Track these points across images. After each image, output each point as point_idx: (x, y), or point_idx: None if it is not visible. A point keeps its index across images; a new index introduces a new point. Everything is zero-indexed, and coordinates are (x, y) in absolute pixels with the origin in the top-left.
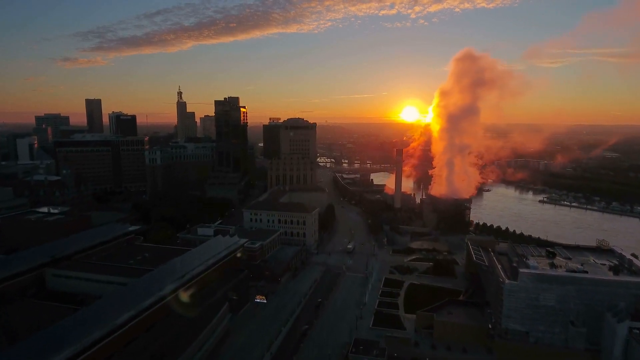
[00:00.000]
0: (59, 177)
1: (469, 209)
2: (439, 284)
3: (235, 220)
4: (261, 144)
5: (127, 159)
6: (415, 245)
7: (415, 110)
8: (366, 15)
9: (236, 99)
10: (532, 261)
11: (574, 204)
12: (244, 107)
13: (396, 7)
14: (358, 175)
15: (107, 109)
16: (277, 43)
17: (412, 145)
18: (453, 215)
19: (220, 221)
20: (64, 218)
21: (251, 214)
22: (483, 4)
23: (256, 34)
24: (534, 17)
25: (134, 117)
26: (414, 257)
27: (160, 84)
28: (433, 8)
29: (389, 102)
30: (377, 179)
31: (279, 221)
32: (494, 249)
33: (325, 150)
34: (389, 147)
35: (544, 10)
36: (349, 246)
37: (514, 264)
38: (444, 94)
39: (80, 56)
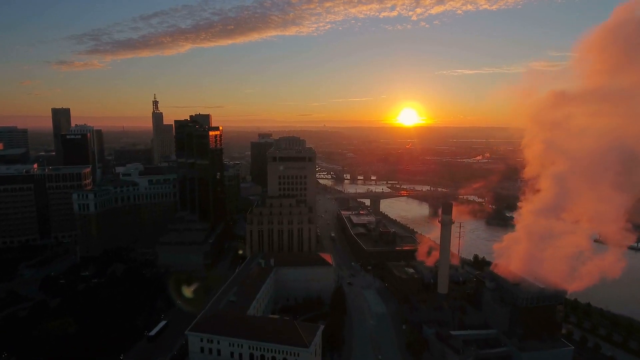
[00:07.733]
0: None
1: (562, 303)
2: None
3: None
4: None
5: (58, 199)
6: None
7: (414, 114)
8: (367, 17)
9: (207, 117)
10: None
11: None
12: (217, 130)
13: (397, 9)
14: (373, 219)
15: (103, 112)
16: (276, 46)
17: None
18: (536, 312)
19: (164, 323)
20: None
21: (202, 342)
22: (485, 6)
23: (254, 36)
24: (536, 18)
25: (84, 137)
26: None
27: (158, 87)
28: (435, 10)
29: (387, 105)
30: (390, 207)
31: (252, 357)
32: None
33: (324, 162)
34: (393, 158)
35: (547, 11)
36: None
37: None
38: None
39: (75, 59)
